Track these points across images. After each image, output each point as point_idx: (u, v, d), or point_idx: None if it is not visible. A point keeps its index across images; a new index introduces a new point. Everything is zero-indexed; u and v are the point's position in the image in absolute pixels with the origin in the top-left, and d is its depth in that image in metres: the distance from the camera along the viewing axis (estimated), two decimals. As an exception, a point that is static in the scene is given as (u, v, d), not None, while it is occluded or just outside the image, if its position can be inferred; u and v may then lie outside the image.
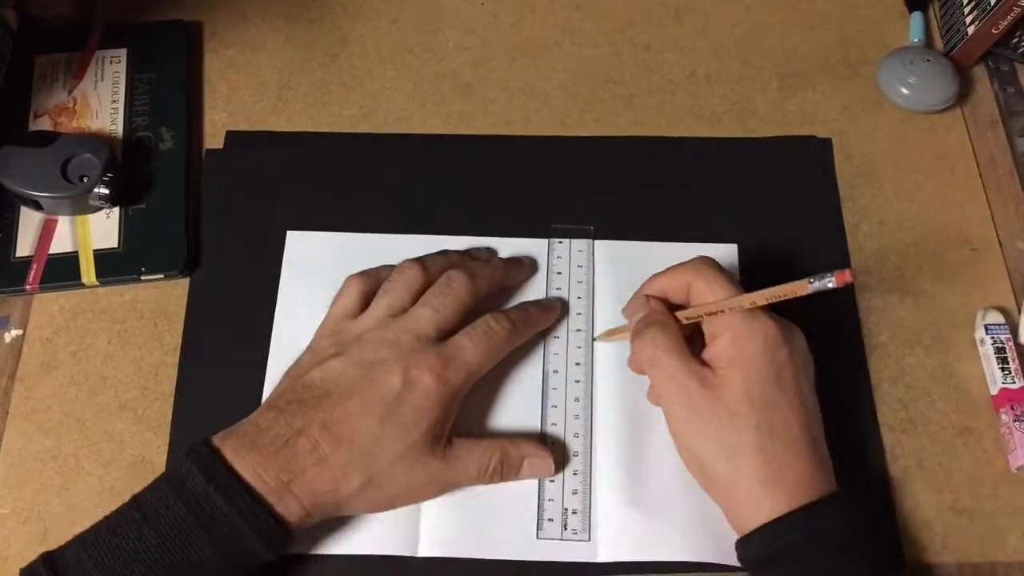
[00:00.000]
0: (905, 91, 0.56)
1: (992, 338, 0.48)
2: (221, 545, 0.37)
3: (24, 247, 0.50)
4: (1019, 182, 0.55)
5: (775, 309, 0.42)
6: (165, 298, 0.50)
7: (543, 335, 0.48)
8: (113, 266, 0.50)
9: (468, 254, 0.49)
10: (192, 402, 0.47)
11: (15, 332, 0.49)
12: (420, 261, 0.46)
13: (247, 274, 0.50)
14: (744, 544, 0.40)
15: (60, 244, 0.50)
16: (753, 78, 0.58)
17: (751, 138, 0.56)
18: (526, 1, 0.61)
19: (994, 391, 0.48)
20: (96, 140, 0.51)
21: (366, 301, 0.45)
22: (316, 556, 0.43)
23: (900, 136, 0.56)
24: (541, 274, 0.50)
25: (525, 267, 0.50)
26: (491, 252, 0.51)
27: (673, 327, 0.42)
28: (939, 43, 0.60)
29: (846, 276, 0.36)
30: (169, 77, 0.56)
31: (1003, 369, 0.47)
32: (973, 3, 0.57)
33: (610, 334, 0.48)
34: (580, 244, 0.51)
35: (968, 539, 0.45)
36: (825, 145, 0.55)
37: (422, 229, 0.51)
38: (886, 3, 0.61)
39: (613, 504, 0.44)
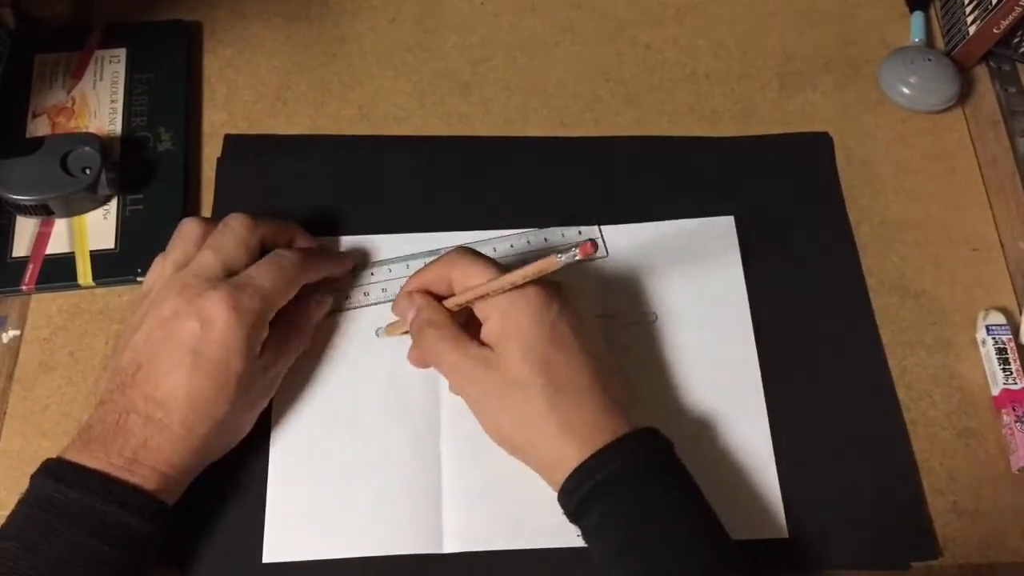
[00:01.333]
0: (906, 91, 0.56)
1: (993, 339, 0.48)
2: (93, 534, 0.38)
3: (20, 248, 0.50)
4: (1020, 182, 0.55)
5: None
6: (163, 298, 0.50)
7: None
8: (109, 267, 0.50)
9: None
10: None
11: (12, 333, 0.49)
12: (199, 218, 0.46)
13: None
14: (561, 499, 0.41)
15: (57, 245, 0.50)
16: (753, 77, 0.58)
17: (751, 136, 0.56)
18: (526, 0, 0.61)
19: (995, 392, 0.47)
20: (82, 134, 0.51)
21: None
22: (336, 561, 0.43)
23: (901, 136, 0.56)
24: None
25: (348, 262, 0.50)
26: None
27: (446, 320, 0.44)
28: (940, 43, 0.60)
29: (587, 248, 0.38)
30: (168, 77, 0.56)
31: (1004, 370, 0.47)
32: (974, 3, 0.57)
33: (393, 329, 0.48)
34: (588, 231, 0.51)
35: (969, 540, 0.45)
36: (825, 140, 0.55)
37: (422, 229, 0.51)
38: (887, 3, 0.61)
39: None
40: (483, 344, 0.42)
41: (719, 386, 0.47)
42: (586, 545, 0.41)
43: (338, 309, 0.49)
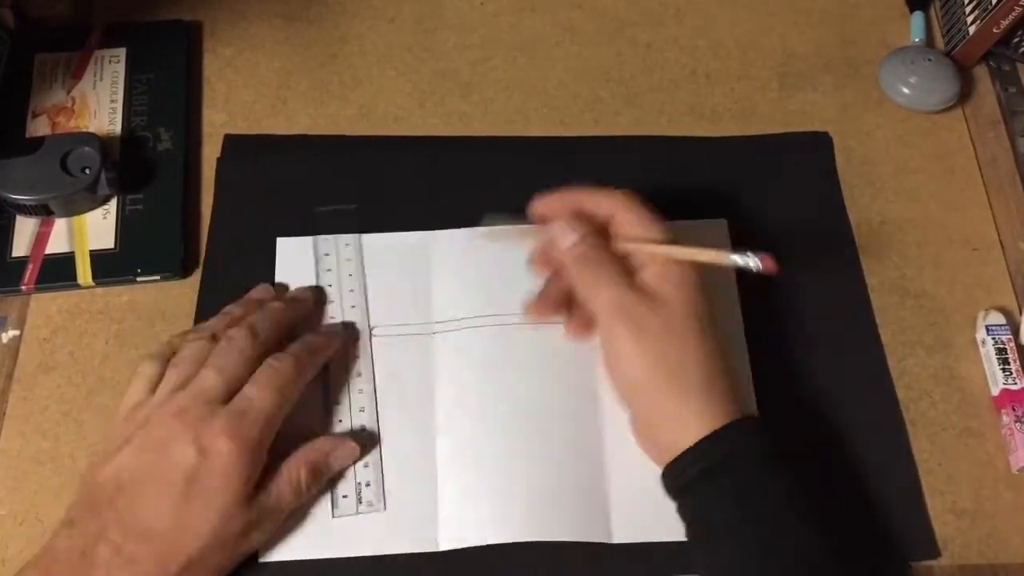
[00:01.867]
0: (906, 91, 0.56)
1: (993, 339, 0.48)
2: None
3: (20, 247, 0.50)
4: (1020, 182, 0.55)
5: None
6: (163, 299, 0.50)
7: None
8: (109, 267, 0.50)
9: (251, 301, 0.48)
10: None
11: (12, 333, 0.49)
12: (205, 330, 0.45)
13: (254, 277, 0.50)
14: (674, 467, 0.40)
15: (56, 244, 0.50)
16: (753, 77, 0.58)
17: (752, 136, 0.56)
18: (526, 0, 0.61)
19: (995, 392, 0.47)
20: (82, 134, 0.51)
21: (158, 382, 0.43)
22: (288, 563, 0.43)
23: (901, 136, 0.56)
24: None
25: (306, 301, 0.48)
26: (273, 289, 0.49)
27: (611, 255, 0.43)
28: (940, 42, 0.60)
29: (768, 263, 0.39)
30: (168, 77, 0.56)
31: (1004, 370, 0.47)
32: (974, 2, 0.57)
33: (540, 305, 0.46)
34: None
35: (969, 540, 0.45)
36: (825, 140, 0.55)
37: (422, 229, 0.51)
38: (887, 2, 0.61)
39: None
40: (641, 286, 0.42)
41: None
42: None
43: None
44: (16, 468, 0.46)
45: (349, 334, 0.48)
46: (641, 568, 0.43)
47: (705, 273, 0.43)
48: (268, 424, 0.41)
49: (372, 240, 0.51)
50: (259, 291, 0.48)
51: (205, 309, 0.49)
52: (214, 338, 0.44)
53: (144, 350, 0.48)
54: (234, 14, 0.59)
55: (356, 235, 0.51)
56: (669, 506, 0.42)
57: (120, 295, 0.50)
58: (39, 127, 0.54)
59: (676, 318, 0.41)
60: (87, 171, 0.50)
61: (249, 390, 0.41)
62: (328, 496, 0.44)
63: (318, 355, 0.46)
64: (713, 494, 0.39)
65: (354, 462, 0.45)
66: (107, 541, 0.37)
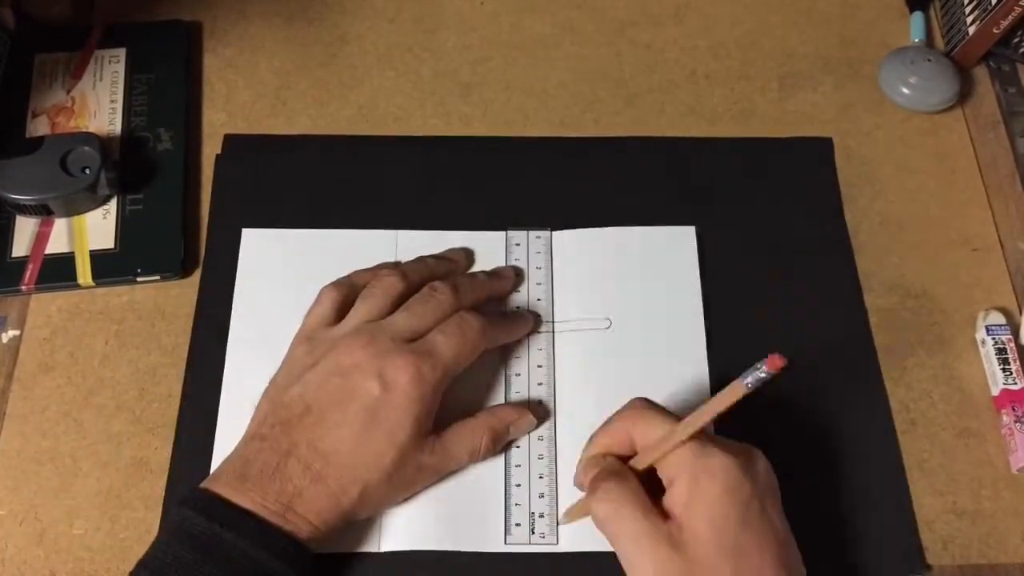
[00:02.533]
0: (906, 91, 0.56)
1: (993, 339, 0.48)
2: None
3: (20, 247, 0.50)
4: (1020, 183, 0.55)
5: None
6: (163, 299, 0.50)
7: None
8: (109, 267, 0.50)
9: (445, 258, 0.49)
10: (199, 403, 0.46)
11: (12, 333, 0.49)
12: (400, 268, 0.46)
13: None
14: None
15: (56, 244, 0.50)
16: (753, 78, 0.58)
17: (752, 138, 0.56)
18: (526, 0, 0.61)
19: (995, 392, 0.47)
20: (82, 134, 0.51)
21: (342, 311, 0.45)
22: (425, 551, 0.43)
23: (901, 136, 0.56)
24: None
25: (509, 279, 0.49)
26: (466, 253, 0.50)
27: (631, 478, 0.38)
28: (940, 43, 0.60)
29: (776, 362, 0.34)
30: (168, 77, 0.56)
31: (1004, 370, 0.47)
32: (974, 3, 0.57)
33: (575, 511, 0.43)
34: (538, 235, 0.51)
35: (969, 540, 0.45)
36: (826, 145, 0.55)
37: (423, 228, 0.51)
38: (887, 3, 0.61)
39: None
40: (664, 513, 0.37)
41: (671, 395, 0.46)
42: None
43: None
44: (16, 468, 0.45)
45: (537, 322, 0.48)
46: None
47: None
48: (447, 372, 0.42)
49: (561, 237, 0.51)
50: (455, 252, 0.50)
51: (205, 309, 0.49)
52: (404, 276, 0.45)
53: (144, 350, 0.48)
54: (234, 14, 0.59)
55: (548, 231, 0.51)
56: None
57: (120, 295, 0.50)
58: (39, 127, 0.54)
59: (704, 555, 0.35)
60: (87, 171, 0.50)
61: (436, 336, 0.42)
62: (501, 521, 0.44)
63: (506, 331, 0.47)
64: None
65: (530, 431, 0.45)
66: (298, 457, 0.39)
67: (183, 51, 0.57)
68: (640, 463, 0.39)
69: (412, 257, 0.50)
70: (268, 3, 0.60)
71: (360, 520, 0.42)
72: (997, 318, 0.49)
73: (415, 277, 0.46)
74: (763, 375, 0.34)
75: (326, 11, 0.60)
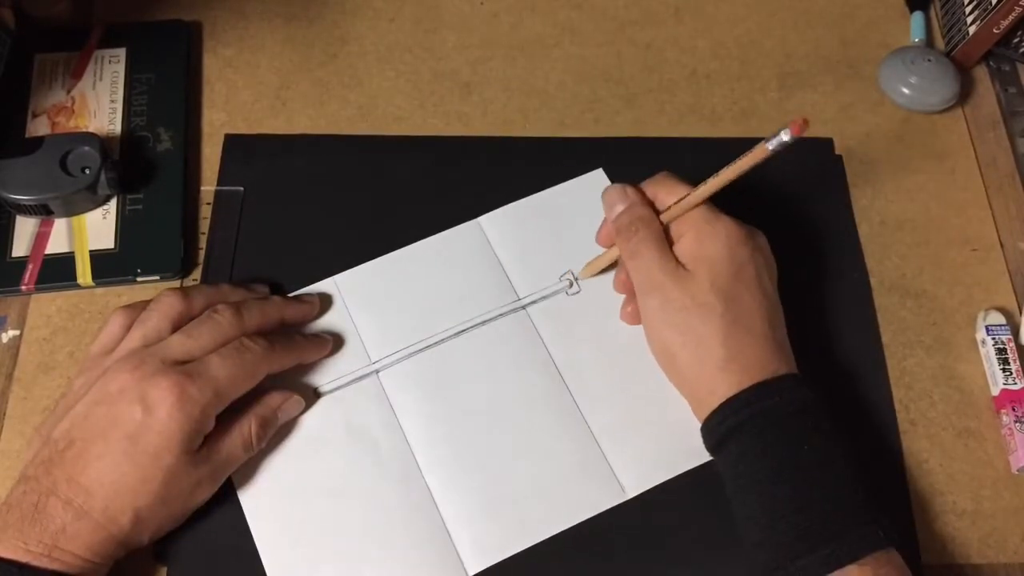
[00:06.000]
0: (906, 91, 0.56)
1: (993, 339, 0.48)
2: None
3: (20, 247, 0.50)
4: (1020, 183, 0.55)
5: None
6: (163, 298, 0.50)
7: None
8: (109, 267, 0.50)
9: (245, 287, 0.48)
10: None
11: (12, 333, 0.49)
12: (182, 290, 0.45)
13: (256, 277, 0.50)
14: (705, 429, 0.42)
15: (56, 245, 0.50)
16: (753, 78, 0.58)
17: (752, 138, 0.55)
18: (526, 0, 0.61)
19: (995, 392, 0.47)
20: (82, 134, 0.51)
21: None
22: None
23: (901, 136, 0.56)
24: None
25: (312, 304, 0.48)
26: (269, 291, 0.49)
27: (656, 222, 0.45)
28: (940, 43, 0.60)
29: (800, 125, 0.38)
30: (168, 77, 0.56)
31: (1004, 370, 0.47)
32: (974, 3, 0.57)
33: (593, 265, 0.49)
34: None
35: (969, 540, 0.45)
36: (826, 146, 0.55)
37: (422, 227, 0.51)
38: (887, 3, 0.61)
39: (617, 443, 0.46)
40: (675, 259, 0.44)
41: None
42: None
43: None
44: (16, 468, 0.45)
45: (336, 344, 0.47)
46: (657, 514, 0.44)
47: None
48: (217, 394, 0.41)
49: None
50: (258, 285, 0.49)
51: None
52: (186, 298, 0.44)
53: (144, 350, 0.48)
54: (234, 14, 0.59)
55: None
56: (662, 445, 0.45)
57: (120, 295, 0.50)
58: (39, 127, 0.54)
59: (700, 290, 0.42)
60: (87, 171, 0.50)
61: (211, 357, 0.41)
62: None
63: (295, 352, 0.45)
64: (736, 453, 0.41)
65: (300, 413, 0.45)
66: (58, 495, 0.38)
67: (183, 51, 0.57)
68: (665, 217, 0.45)
69: (358, 296, 0.49)
70: (268, 3, 0.60)
71: (156, 538, 0.41)
72: (997, 318, 0.49)
73: (200, 300, 0.44)
74: (786, 139, 0.39)
75: (326, 11, 0.60)
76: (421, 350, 0.48)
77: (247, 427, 0.43)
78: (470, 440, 0.46)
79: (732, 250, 0.43)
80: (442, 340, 0.48)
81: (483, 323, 0.48)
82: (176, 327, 0.43)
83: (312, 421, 0.46)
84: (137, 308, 0.45)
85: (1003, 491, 0.46)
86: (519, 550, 0.43)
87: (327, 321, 0.49)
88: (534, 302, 0.49)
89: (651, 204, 0.46)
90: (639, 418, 0.46)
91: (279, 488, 0.44)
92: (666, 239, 0.45)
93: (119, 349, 0.42)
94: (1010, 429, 0.46)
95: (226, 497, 0.44)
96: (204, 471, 0.41)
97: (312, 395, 0.46)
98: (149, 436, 0.39)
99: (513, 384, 0.47)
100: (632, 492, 0.45)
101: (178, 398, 0.39)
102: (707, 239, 0.43)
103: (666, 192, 0.45)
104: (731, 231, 0.44)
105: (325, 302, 0.49)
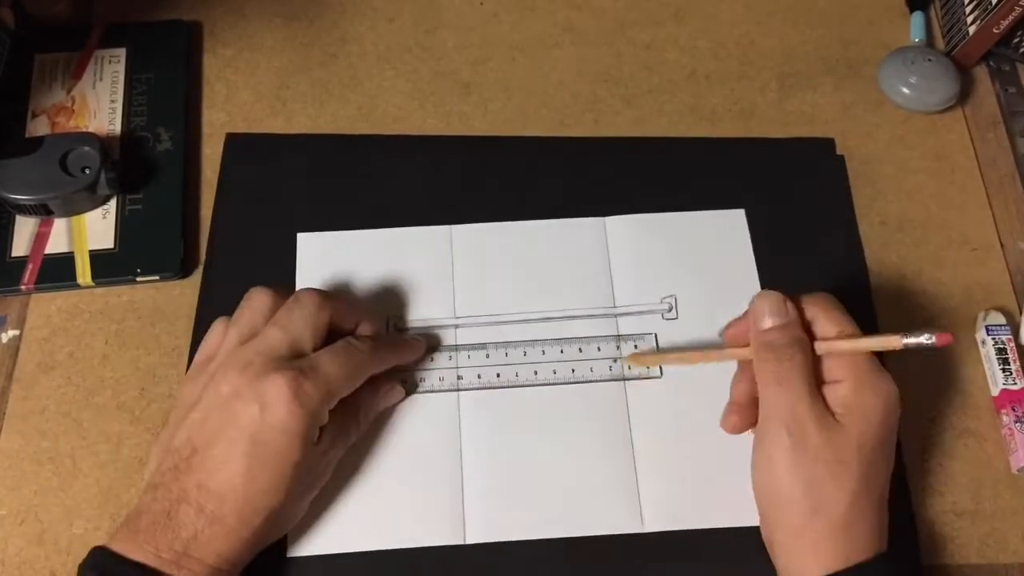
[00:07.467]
0: (906, 91, 0.56)
1: (993, 339, 0.48)
2: None
3: (20, 247, 0.50)
4: (1020, 183, 0.55)
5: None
6: (163, 299, 0.50)
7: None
8: (109, 267, 0.50)
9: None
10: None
11: (12, 332, 0.49)
12: (269, 286, 0.44)
13: (256, 277, 0.50)
14: None
15: (56, 244, 0.50)
16: (753, 78, 0.58)
17: (752, 138, 0.55)
18: (526, 0, 0.61)
19: (995, 392, 0.47)
20: (82, 134, 0.51)
21: None
22: (359, 554, 0.43)
23: (901, 136, 0.56)
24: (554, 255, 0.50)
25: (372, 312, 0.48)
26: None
27: (811, 352, 0.40)
28: (940, 43, 0.60)
29: (945, 339, 0.38)
30: (168, 77, 0.56)
31: (1004, 370, 0.47)
32: (974, 3, 0.57)
33: (643, 359, 0.46)
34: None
35: (969, 540, 0.45)
36: (827, 146, 0.55)
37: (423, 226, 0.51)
38: (887, 3, 0.61)
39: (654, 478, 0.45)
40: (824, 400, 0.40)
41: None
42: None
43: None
44: (16, 468, 0.46)
45: (431, 345, 0.48)
46: (673, 554, 0.44)
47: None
48: (329, 392, 0.41)
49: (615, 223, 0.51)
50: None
51: (205, 309, 0.49)
52: (274, 292, 0.44)
53: (144, 350, 0.48)
54: (234, 14, 0.59)
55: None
56: (700, 494, 0.43)
57: (120, 295, 0.50)
58: (39, 127, 0.54)
59: (845, 450, 0.38)
60: (87, 171, 0.50)
61: (321, 355, 0.41)
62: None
63: (396, 353, 0.46)
64: None
65: (400, 400, 0.46)
66: (189, 502, 0.38)
67: (183, 51, 0.57)
68: (826, 349, 0.41)
69: (469, 251, 0.50)
70: (268, 3, 0.60)
71: (276, 540, 0.42)
72: (997, 318, 0.49)
73: (285, 292, 0.44)
74: (925, 342, 0.39)
75: (326, 11, 0.60)
76: (503, 323, 0.48)
77: (354, 414, 0.43)
78: (517, 423, 0.46)
79: (889, 414, 0.39)
80: (526, 320, 0.48)
81: (573, 338, 0.48)
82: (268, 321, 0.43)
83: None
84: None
85: (1003, 491, 0.46)
86: (522, 538, 0.44)
87: (427, 263, 0.50)
88: (627, 314, 0.49)
89: (808, 327, 0.42)
90: (685, 459, 0.45)
91: None
92: (816, 375, 0.40)
93: (220, 353, 0.42)
94: (1010, 429, 0.46)
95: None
96: (323, 463, 0.42)
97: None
98: (271, 435, 0.39)
99: (576, 396, 0.47)
100: (651, 527, 0.44)
101: (295, 394, 0.39)
102: (869, 395, 0.39)
103: (826, 318, 0.41)
104: (892, 393, 0.40)
105: (431, 246, 0.50)
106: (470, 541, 0.44)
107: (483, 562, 0.43)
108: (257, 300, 0.43)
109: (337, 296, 0.45)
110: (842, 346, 0.40)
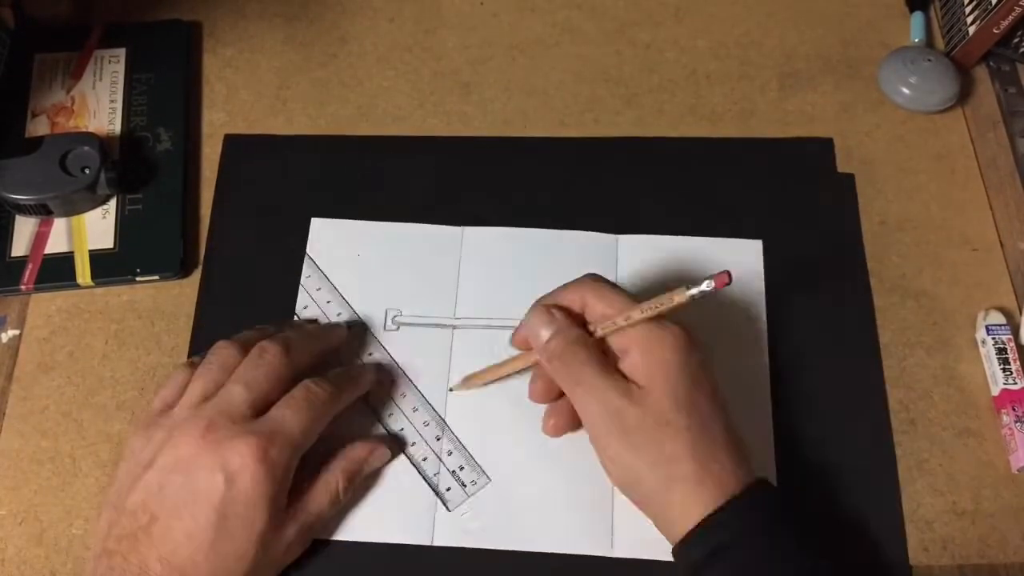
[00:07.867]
0: (906, 91, 0.56)
1: (993, 339, 0.48)
2: None
3: (20, 247, 0.50)
4: (1020, 182, 0.55)
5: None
6: (163, 298, 0.50)
7: None
8: (108, 267, 0.50)
9: (289, 324, 0.48)
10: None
11: (12, 332, 0.49)
12: (235, 339, 0.44)
13: (255, 277, 0.50)
14: (682, 551, 0.38)
15: (56, 244, 0.50)
16: (753, 78, 0.58)
17: (752, 138, 0.55)
18: (526, 0, 0.61)
19: (995, 392, 0.47)
20: (81, 134, 0.51)
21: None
22: (333, 542, 0.43)
23: (901, 136, 0.56)
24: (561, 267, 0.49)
25: (343, 329, 0.48)
26: (315, 322, 0.49)
27: (590, 342, 0.41)
28: (940, 43, 0.60)
29: (723, 279, 0.38)
30: (167, 77, 0.56)
31: (1004, 370, 0.47)
32: (974, 3, 0.57)
33: (473, 380, 0.46)
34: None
35: (969, 540, 0.45)
36: (827, 145, 0.55)
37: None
38: (887, 3, 0.61)
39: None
40: (623, 376, 0.40)
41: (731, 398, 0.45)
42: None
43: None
44: (16, 468, 0.46)
45: (381, 367, 0.47)
46: None
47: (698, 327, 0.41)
48: (296, 449, 0.40)
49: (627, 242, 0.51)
50: (292, 320, 0.48)
51: (205, 309, 0.49)
52: (240, 346, 0.43)
53: (144, 350, 0.48)
54: (234, 14, 0.59)
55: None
56: None
57: (119, 295, 0.50)
58: (38, 127, 0.54)
59: (660, 407, 0.39)
60: (86, 171, 0.50)
61: (282, 411, 0.40)
62: (432, 496, 0.44)
63: (355, 387, 0.45)
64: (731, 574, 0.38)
65: (387, 463, 0.45)
66: (153, 574, 0.37)
67: (183, 51, 0.57)
68: (600, 333, 0.41)
69: (478, 254, 0.50)
70: (268, 3, 0.60)
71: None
72: (997, 318, 0.49)
73: (250, 345, 0.43)
74: (707, 290, 0.39)
75: (326, 11, 0.60)
76: (501, 327, 0.48)
77: (334, 483, 0.42)
78: (499, 428, 0.46)
79: (685, 355, 0.39)
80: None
81: None
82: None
83: (380, 355, 0.48)
84: (196, 365, 0.43)
85: (1003, 491, 0.46)
86: (489, 547, 0.43)
87: (437, 264, 0.50)
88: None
89: (579, 318, 0.42)
90: None
91: None
92: (607, 357, 0.41)
93: (180, 406, 0.41)
94: (1010, 429, 0.46)
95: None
96: (293, 530, 0.40)
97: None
98: (236, 507, 0.38)
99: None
100: (619, 552, 0.43)
101: (260, 461, 0.38)
102: (656, 350, 0.39)
103: (597, 299, 0.41)
104: (679, 337, 0.40)
105: (440, 245, 0.50)
106: (438, 543, 0.43)
107: (447, 563, 0.43)
108: (223, 355, 0.42)
109: (300, 338, 0.44)
110: (619, 322, 0.41)
